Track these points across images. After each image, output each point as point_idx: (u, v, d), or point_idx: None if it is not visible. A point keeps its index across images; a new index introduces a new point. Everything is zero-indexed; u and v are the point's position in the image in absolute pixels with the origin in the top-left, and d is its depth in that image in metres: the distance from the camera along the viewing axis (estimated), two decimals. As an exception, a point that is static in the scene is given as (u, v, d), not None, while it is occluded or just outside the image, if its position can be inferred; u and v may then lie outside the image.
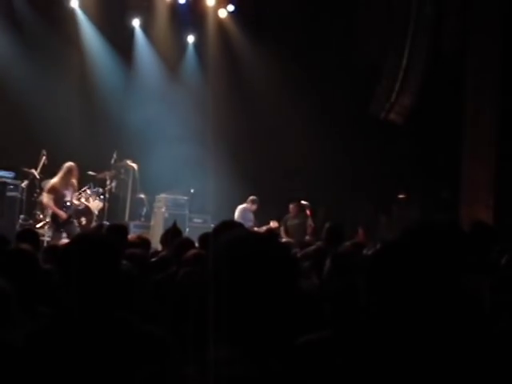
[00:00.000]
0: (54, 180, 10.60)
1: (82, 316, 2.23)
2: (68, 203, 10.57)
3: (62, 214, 10.40)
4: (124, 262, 3.32)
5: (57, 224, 10.46)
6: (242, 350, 1.44)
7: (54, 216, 10.48)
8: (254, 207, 12.60)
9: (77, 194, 11.09)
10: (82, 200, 11.49)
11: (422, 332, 1.72)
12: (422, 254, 1.76)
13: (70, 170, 10.56)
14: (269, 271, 1.56)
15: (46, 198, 10.53)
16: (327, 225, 6.31)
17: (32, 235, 5.12)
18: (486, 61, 11.92)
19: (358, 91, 13.35)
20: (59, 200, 10.44)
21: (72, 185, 10.72)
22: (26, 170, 12.12)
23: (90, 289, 2.25)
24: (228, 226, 3.87)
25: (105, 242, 2.38)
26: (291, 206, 12.53)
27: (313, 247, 6.23)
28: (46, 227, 11.32)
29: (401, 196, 13.12)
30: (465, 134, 12.24)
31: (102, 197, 12.08)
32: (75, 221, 10.81)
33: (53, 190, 10.43)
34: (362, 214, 13.43)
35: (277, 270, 1.58)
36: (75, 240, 2.52)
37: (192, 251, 4.15)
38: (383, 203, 13.20)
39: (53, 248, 5.32)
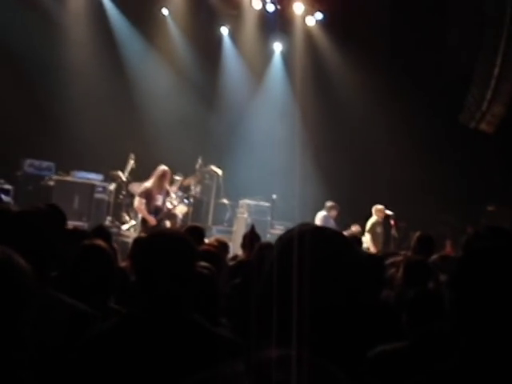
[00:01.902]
0: (147, 184, 10.34)
1: (153, 315, 2.20)
2: (159, 208, 10.26)
3: (152, 220, 10.07)
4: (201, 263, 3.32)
5: (146, 229, 10.03)
6: (308, 350, 1.36)
7: (144, 221, 10.21)
8: (335, 213, 12.45)
9: (169, 198, 10.68)
10: (168, 204, 11.51)
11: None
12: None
13: (163, 174, 10.26)
14: (354, 276, 1.45)
15: (137, 201, 10.28)
16: (417, 234, 6.10)
17: (105, 232, 5.16)
18: None
19: (448, 101, 13.04)
20: (151, 204, 10.16)
21: (165, 189, 10.40)
22: (113, 172, 12.42)
23: (163, 287, 2.21)
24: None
25: (182, 239, 2.32)
26: (377, 209, 12.13)
27: (400, 257, 6.06)
28: (132, 229, 11.56)
29: (490, 208, 12.67)
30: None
31: (186, 201, 12.19)
32: (163, 226, 10.46)
33: (145, 194, 10.13)
34: (448, 226, 13.07)
35: (361, 276, 1.47)
36: (152, 236, 2.44)
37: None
38: (471, 215, 12.79)
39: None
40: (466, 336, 1.62)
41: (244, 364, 1.36)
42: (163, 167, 10.35)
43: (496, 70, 12.14)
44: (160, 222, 10.26)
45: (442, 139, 13.29)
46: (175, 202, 10.85)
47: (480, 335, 1.60)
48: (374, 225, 12.01)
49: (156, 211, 10.24)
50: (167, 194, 10.57)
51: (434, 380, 1.62)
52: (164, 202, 10.39)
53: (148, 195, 10.16)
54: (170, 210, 10.60)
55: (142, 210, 10.16)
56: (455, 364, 1.63)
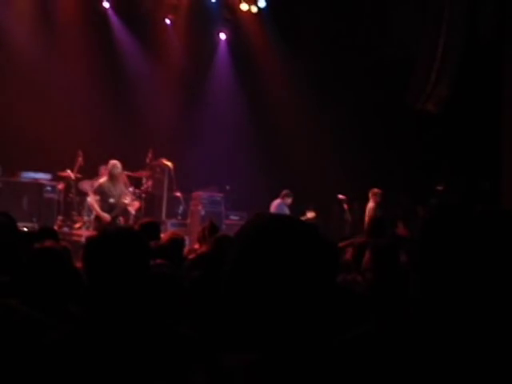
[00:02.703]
0: (101, 180, 10.20)
1: (111, 316, 2.14)
2: (113, 205, 10.08)
3: (106, 217, 9.91)
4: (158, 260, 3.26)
5: (100, 226, 9.78)
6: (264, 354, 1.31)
7: (98, 218, 10.04)
8: (289, 201, 12.52)
9: (123, 194, 10.47)
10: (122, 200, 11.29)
11: (479, 322, 1.56)
12: (476, 236, 1.60)
13: (115, 170, 10.08)
14: (308, 262, 1.41)
15: (91, 198, 10.14)
16: (370, 218, 6.16)
17: (52, 232, 5.05)
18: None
19: (393, 83, 13.16)
20: (105, 201, 10.00)
21: (118, 185, 10.23)
22: (62, 171, 12.22)
23: (117, 287, 2.14)
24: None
25: (133, 236, 2.24)
26: (373, 193, 12.02)
27: (353, 240, 6.11)
28: (84, 228, 11.38)
29: (439, 188, 12.88)
30: (503, 124, 11.97)
31: (138, 196, 12.08)
32: (118, 222, 10.30)
33: (99, 191, 9.98)
34: (399, 206, 13.25)
35: (317, 262, 1.43)
36: (101, 234, 2.34)
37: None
38: (421, 195, 12.99)
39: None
40: (430, 313, 1.62)
41: (206, 371, 1.32)
42: (115, 162, 10.16)
43: (439, 51, 12.29)
44: (114, 218, 10.09)
45: (389, 121, 13.44)
46: (128, 198, 10.71)
47: (445, 311, 1.59)
48: (369, 210, 12.03)
49: (110, 208, 10.07)
50: (123, 189, 10.42)
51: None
52: (119, 199, 10.22)
53: (102, 192, 9.99)
54: (124, 207, 10.44)
55: (96, 207, 9.97)
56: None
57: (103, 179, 10.20)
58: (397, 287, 2.53)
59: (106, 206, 10.01)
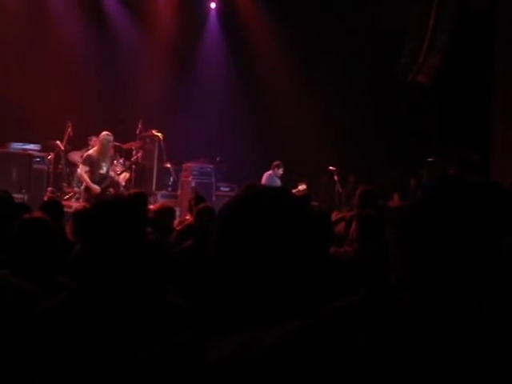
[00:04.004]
0: (91, 151, 10.03)
1: (104, 286, 2.14)
2: (103, 176, 9.91)
3: (96, 188, 9.71)
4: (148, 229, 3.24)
5: (89, 198, 9.57)
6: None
7: (87, 189, 9.85)
8: (280, 172, 12.47)
9: (113, 166, 10.37)
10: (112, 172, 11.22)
11: (453, 300, 1.57)
12: (460, 209, 1.60)
13: (107, 141, 9.89)
14: (293, 236, 1.36)
15: (80, 169, 9.92)
16: (359, 190, 6.11)
17: (56, 206, 5.05)
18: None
19: (383, 55, 13.10)
20: (95, 172, 9.81)
21: (109, 157, 10.07)
22: (51, 142, 12.14)
23: (113, 256, 2.13)
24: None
25: (129, 206, 2.22)
26: None
27: (343, 213, 6.11)
28: (74, 199, 11.34)
29: (430, 159, 12.88)
30: (495, 95, 11.95)
31: (128, 167, 12.03)
32: (108, 194, 10.05)
33: (88, 162, 9.78)
34: (392, 178, 13.27)
35: (303, 236, 1.38)
36: (97, 205, 2.34)
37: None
38: (413, 167, 13.00)
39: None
40: (411, 291, 1.61)
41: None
42: (106, 133, 9.99)
43: (431, 22, 12.21)
44: (104, 190, 9.99)
45: (383, 93, 13.39)
46: (118, 170, 10.64)
47: (424, 290, 1.59)
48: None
49: (100, 179, 9.99)
50: (112, 161, 10.32)
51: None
52: (108, 170, 10.13)
53: (92, 163, 9.85)
54: (114, 178, 10.35)
55: (85, 178, 9.80)
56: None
57: (93, 150, 10.10)
58: (381, 258, 2.54)
59: (95, 176, 9.92)
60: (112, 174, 10.28)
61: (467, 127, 12.56)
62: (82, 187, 10.27)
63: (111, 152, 10.26)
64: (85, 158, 9.97)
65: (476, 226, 1.59)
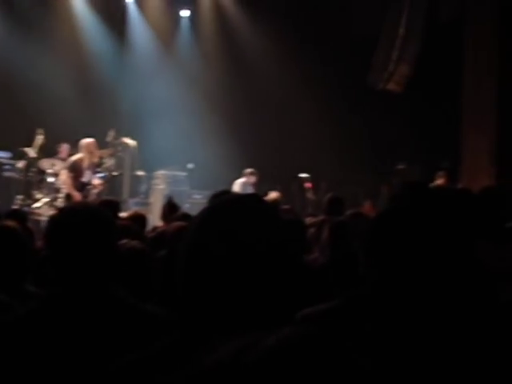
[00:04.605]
0: (75, 158, 9.91)
1: (73, 295, 2.11)
2: (85, 184, 9.85)
3: (77, 196, 9.64)
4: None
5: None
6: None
7: (69, 196, 9.76)
8: (253, 179, 12.46)
9: (94, 173, 10.28)
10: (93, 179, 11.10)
11: (427, 304, 1.59)
12: (430, 217, 1.62)
13: (91, 148, 9.86)
14: (277, 241, 1.37)
15: (64, 175, 9.83)
16: (327, 196, 6.23)
17: (20, 214, 4.99)
18: (484, 29, 11.73)
19: (355, 63, 13.20)
20: (78, 180, 9.77)
21: (92, 164, 10.00)
22: (22, 149, 12.00)
23: (80, 265, 2.10)
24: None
25: (96, 213, 2.18)
26: None
27: (314, 219, 6.15)
28: (45, 207, 11.21)
29: (400, 167, 13.00)
30: (464, 103, 12.10)
31: (102, 175, 11.93)
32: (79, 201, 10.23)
33: (73, 168, 9.73)
34: (363, 186, 13.35)
35: (284, 241, 1.38)
36: (64, 211, 2.27)
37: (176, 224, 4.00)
38: (384, 175, 13.10)
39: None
40: (384, 299, 1.63)
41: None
42: (90, 140, 9.89)
43: (401, 30, 12.35)
44: (85, 197, 9.87)
45: (354, 101, 13.51)
46: (97, 177, 10.56)
47: (397, 298, 1.61)
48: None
49: (82, 187, 9.87)
50: (94, 169, 10.21)
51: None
52: (90, 178, 10.03)
53: (77, 170, 9.76)
54: (95, 186, 10.23)
55: (69, 184, 9.69)
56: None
57: (77, 156, 9.98)
58: (349, 264, 2.56)
59: (78, 184, 9.81)
60: (96, 181, 10.18)
61: (438, 134, 12.71)
62: (62, 194, 10.14)
63: (95, 160, 10.17)
64: (69, 165, 9.86)
65: (443, 233, 1.61)
